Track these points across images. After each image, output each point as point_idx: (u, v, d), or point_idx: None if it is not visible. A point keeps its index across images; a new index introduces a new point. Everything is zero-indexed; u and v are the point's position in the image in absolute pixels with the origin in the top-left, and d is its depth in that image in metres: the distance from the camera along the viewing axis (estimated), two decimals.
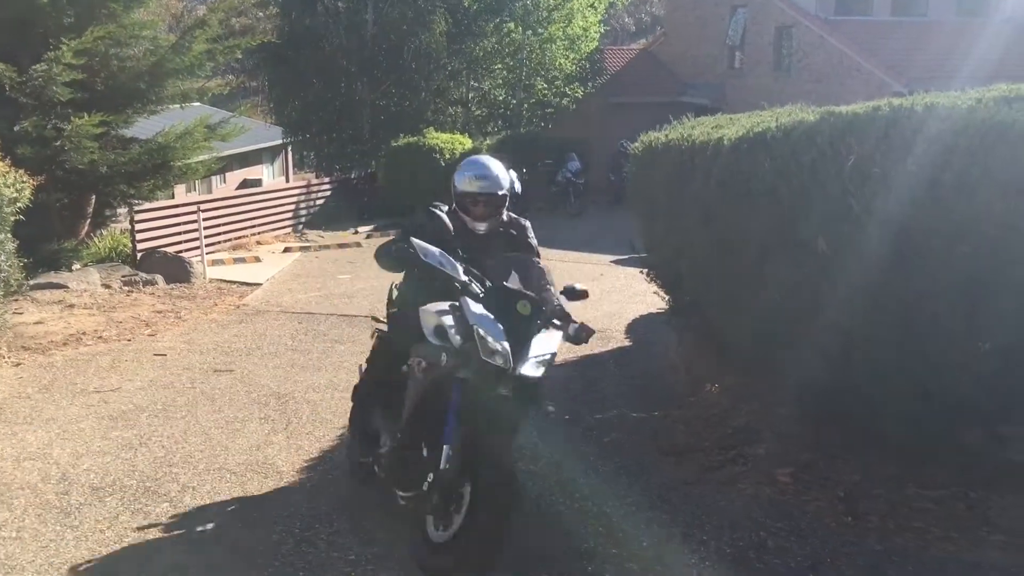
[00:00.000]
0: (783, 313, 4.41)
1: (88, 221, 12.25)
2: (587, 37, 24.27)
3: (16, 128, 10.19)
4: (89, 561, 3.67)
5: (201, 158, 13.18)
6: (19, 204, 7.43)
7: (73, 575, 3.57)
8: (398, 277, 4.08)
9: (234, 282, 11.05)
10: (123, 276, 10.64)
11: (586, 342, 3.82)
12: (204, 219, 12.46)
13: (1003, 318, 3.18)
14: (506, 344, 3.33)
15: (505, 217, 4.08)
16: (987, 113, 3.27)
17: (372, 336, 4.39)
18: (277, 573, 3.56)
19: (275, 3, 22.92)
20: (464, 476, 3.39)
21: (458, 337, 3.40)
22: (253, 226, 15.44)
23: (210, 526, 4.01)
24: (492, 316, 3.39)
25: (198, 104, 16.76)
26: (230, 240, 14.53)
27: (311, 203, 18.44)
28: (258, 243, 14.87)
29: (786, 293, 4.33)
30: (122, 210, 13.31)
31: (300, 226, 17.27)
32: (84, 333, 7.81)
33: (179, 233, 12.82)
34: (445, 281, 3.51)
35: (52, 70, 9.99)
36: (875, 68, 18.54)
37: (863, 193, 3.65)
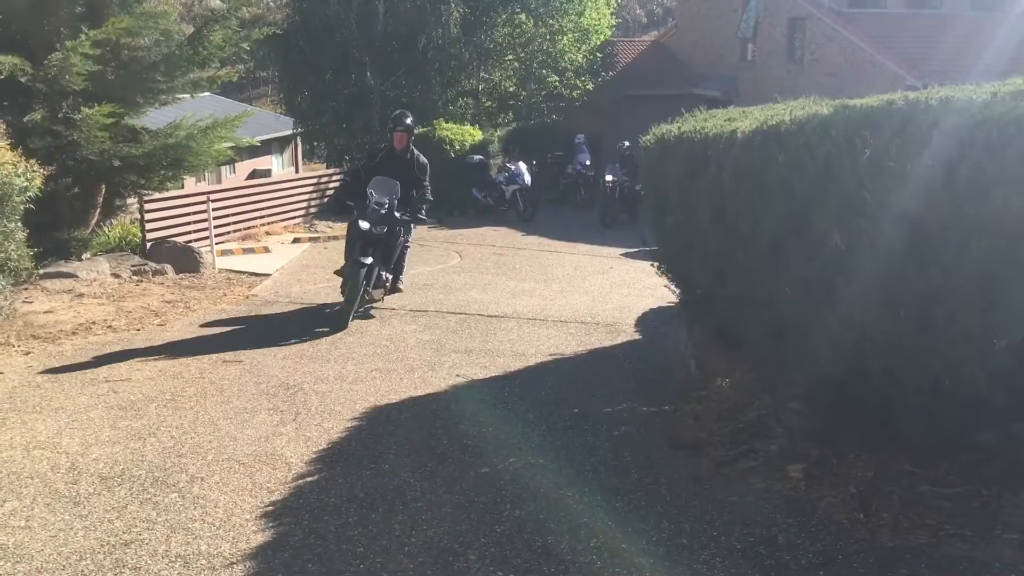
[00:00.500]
0: (795, 307, 4.38)
1: (98, 211, 12.26)
2: (598, 29, 24.20)
3: (27, 119, 10.20)
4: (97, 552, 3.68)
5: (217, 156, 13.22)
6: (29, 193, 7.45)
7: (82, 565, 3.57)
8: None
9: (243, 272, 11.07)
10: (133, 266, 10.67)
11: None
12: (214, 209, 12.47)
13: (1019, 315, 3.14)
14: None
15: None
16: (1004, 107, 3.23)
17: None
18: (285, 565, 3.56)
19: None
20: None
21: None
22: (262, 216, 15.44)
23: (218, 517, 4.01)
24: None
25: (208, 94, 16.77)
26: (239, 230, 14.54)
27: (321, 193, 18.42)
28: (267, 233, 14.88)
29: (799, 287, 4.30)
30: (132, 200, 13.33)
31: (309, 216, 17.27)
32: (94, 322, 7.83)
33: (189, 223, 12.82)
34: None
35: (70, 59, 9.99)
36: (889, 61, 18.42)
37: (878, 187, 3.61)
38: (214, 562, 3.59)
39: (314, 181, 18.64)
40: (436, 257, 12.64)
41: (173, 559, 3.61)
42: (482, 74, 23.96)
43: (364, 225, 7.92)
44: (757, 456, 4.46)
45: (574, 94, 24.07)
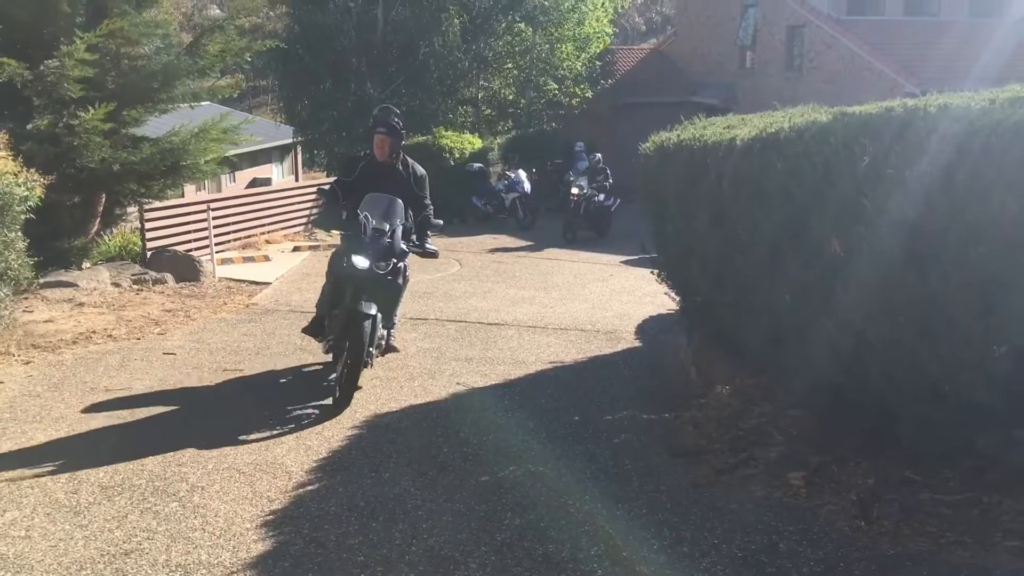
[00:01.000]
0: (795, 313, 4.38)
1: (98, 220, 12.27)
2: (597, 38, 24.26)
3: (28, 127, 10.21)
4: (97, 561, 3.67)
5: (212, 156, 13.21)
6: (30, 203, 7.45)
7: (83, 575, 3.57)
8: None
9: (243, 281, 11.06)
10: (133, 275, 10.65)
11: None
12: (214, 218, 12.46)
13: (1018, 320, 3.14)
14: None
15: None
16: (1002, 114, 3.24)
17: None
18: (286, 574, 3.55)
19: (285, 1, 22.95)
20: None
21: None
22: (262, 225, 15.43)
23: (218, 526, 4.01)
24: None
25: (208, 103, 16.79)
26: (240, 239, 14.53)
27: (321, 202, 18.41)
28: (267, 242, 14.87)
29: (798, 293, 4.31)
30: (132, 209, 13.34)
31: (310, 225, 17.28)
32: (94, 332, 7.82)
33: (189, 232, 12.81)
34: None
35: (65, 65, 10.01)
36: (887, 68, 18.47)
37: (877, 193, 3.62)
38: (214, 572, 3.59)
39: (314, 190, 18.63)
40: (436, 265, 12.62)
41: (173, 568, 3.61)
42: (481, 82, 24.03)
43: (362, 264, 5.66)
44: (757, 463, 4.45)
45: (573, 102, 24.13)
